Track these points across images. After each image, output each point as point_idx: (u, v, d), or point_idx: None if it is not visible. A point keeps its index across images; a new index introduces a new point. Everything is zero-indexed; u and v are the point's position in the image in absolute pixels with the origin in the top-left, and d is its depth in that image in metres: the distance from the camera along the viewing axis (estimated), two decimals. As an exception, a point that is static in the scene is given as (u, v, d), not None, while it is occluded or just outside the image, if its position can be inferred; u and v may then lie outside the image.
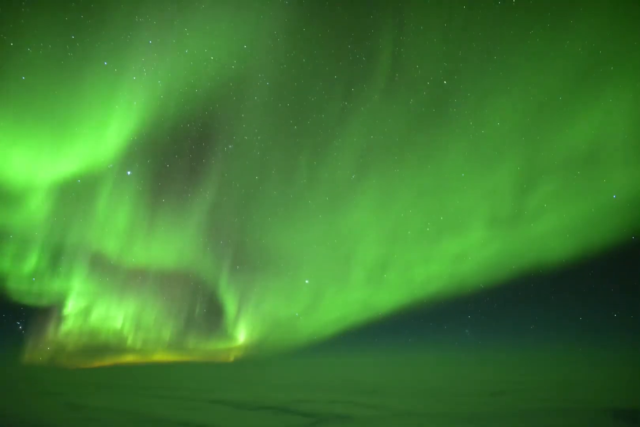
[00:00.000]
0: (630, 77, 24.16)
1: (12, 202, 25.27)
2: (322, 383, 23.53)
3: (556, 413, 14.02)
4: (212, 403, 17.29)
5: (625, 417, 13.55)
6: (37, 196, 25.86)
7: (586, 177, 26.07)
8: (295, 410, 15.35)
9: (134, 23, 23.22)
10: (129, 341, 30.04)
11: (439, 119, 26.77)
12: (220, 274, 30.46)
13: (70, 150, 25.64)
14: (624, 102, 24.50)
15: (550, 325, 30.48)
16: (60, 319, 28.46)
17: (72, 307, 28.59)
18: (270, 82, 26.48)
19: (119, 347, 29.99)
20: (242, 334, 30.75)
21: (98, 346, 29.63)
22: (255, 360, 31.24)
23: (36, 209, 26.03)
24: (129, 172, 27.02)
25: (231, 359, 31.58)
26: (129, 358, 30.44)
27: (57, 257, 27.37)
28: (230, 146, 28.07)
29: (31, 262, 26.76)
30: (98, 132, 25.45)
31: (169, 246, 29.52)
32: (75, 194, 26.63)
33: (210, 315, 30.68)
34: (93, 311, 29.01)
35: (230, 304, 30.55)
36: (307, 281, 30.33)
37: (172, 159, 28.05)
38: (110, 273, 28.85)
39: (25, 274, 26.91)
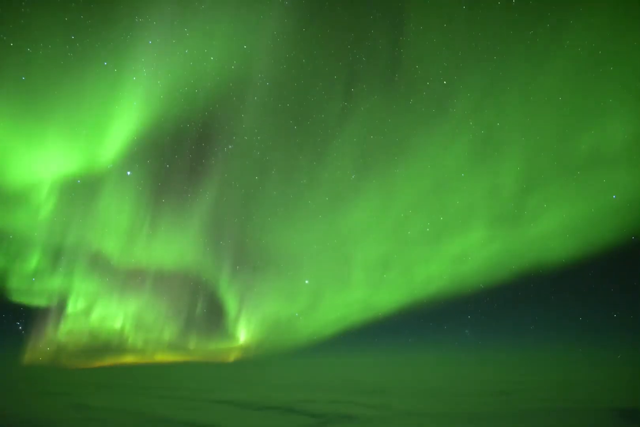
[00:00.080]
0: (630, 77, 24.18)
1: (13, 202, 25.30)
2: (322, 383, 23.54)
3: (556, 413, 14.03)
4: (216, 403, 17.28)
5: (626, 416, 13.56)
6: (37, 196, 25.89)
7: (586, 178, 26.10)
8: (300, 410, 15.34)
9: (134, 23, 23.24)
10: (129, 341, 30.09)
11: (439, 119, 26.80)
12: (220, 274, 30.50)
13: (70, 151, 25.66)
14: (624, 102, 24.52)
15: (550, 325, 30.54)
16: (60, 319, 28.49)
17: (72, 307, 28.62)
18: (270, 82, 26.52)
19: (119, 347, 30.03)
20: (242, 334, 30.80)
21: (98, 346, 29.67)
22: (256, 360, 31.30)
23: (36, 209, 26.06)
24: (129, 173, 27.05)
25: (231, 359, 31.64)
26: (129, 358, 30.49)
27: (57, 257, 27.41)
28: (230, 146, 28.11)
29: (31, 262, 26.80)
30: (98, 132, 25.47)
31: (169, 246, 29.55)
32: (75, 194, 26.66)
33: (210, 315, 30.73)
34: (93, 311, 29.04)
35: (230, 304, 30.60)
36: (307, 281, 30.37)
37: (172, 159, 28.09)
38: (111, 273, 28.88)
39: (26, 274, 26.94)
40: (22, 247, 26.42)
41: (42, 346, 28.20)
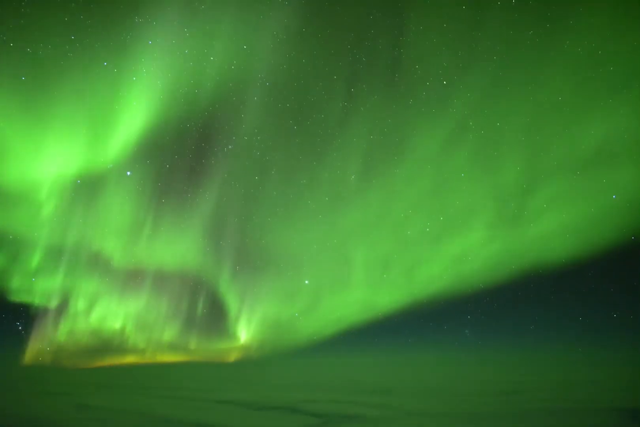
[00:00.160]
0: (630, 78, 24.19)
1: (13, 202, 25.31)
2: (323, 383, 23.55)
3: (556, 413, 14.04)
4: (218, 403, 17.27)
5: (626, 416, 13.56)
6: (37, 196, 25.89)
7: (586, 178, 26.12)
8: (304, 410, 15.33)
9: (134, 23, 23.24)
10: (130, 341, 30.10)
11: (439, 119, 26.81)
12: (220, 274, 30.51)
13: (70, 151, 25.67)
14: (624, 102, 24.53)
15: (550, 325, 30.53)
16: (60, 319, 28.49)
17: (72, 307, 28.63)
18: (270, 82, 26.51)
19: (120, 347, 30.04)
20: (242, 334, 30.81)
21: (99, 346, 29.67)
22: (256, 360, 31.32)
23: (36, 209, 26.07)
24: (128, 173, 27.05)
25: (232, 359, 31.66)
26: (130, 358, 30.50)
27: (57, 257, 27.41)
28: (230, 146, 28.10)
29: (31, 262, 26.80)
30: (98, 132, 25.48)
31: (169, 246, 29.55)
32: (75, 194, 26.67)
33: (210, 315, 30.73)
34: (93, 311, 29.05)
35: (230, 304, 30.60)
36: (307, 282, 30.38)
37: (172, 159, 28.07)
38: (111, 273, 28.90)
39: (26, 274, 26.95)
40: (22, 247, 26.46)
41: (42, 346, 28.25)
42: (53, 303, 28.12)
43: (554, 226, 27.36)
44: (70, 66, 23.38)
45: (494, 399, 17.17)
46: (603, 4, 23.20)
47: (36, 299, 27.39)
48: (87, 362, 29.97)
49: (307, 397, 18.23)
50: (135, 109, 25.27)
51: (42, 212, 26.18)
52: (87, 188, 26.69)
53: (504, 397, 17.39)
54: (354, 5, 24.98)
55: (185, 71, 25.15)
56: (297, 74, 26.25)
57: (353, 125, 27.60)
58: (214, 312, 30.64)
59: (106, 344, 29.71)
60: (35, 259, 26.80)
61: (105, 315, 29.33)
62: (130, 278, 29.27)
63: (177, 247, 29.57)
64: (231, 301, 30.48)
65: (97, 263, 28.42)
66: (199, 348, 31.41)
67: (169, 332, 30.68)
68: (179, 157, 28.13)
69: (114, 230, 28.07)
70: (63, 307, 28.38)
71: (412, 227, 29.06)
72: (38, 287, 27.40)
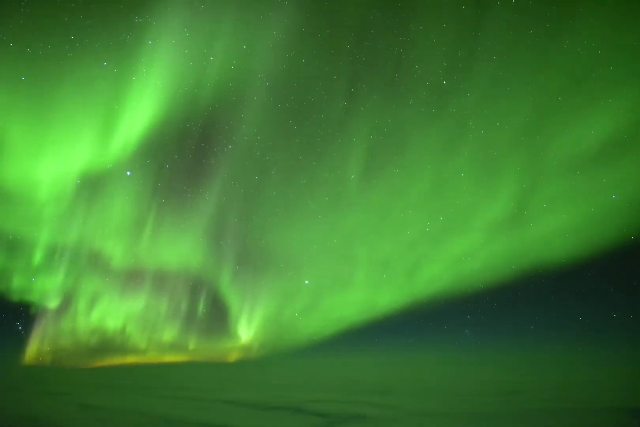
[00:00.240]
0: (630, 77, 24.19)
1: (13, 202, 25.32)
2: (323, 383, 23.56)
3: (556, 413, 14.04)
4: (220, 403, 17.22)
5: (626, 416, 13.57)
6: (37, 196, 25.90)
7: (586, 178, 26.14)
8: (308, 410, 15.31)
9: (134, 23, 23.25)
10: (130, 341, 30.11)
11: (439, 119, 26.82)
12: (220, 274, 30.53)
13: (70, 151, 25.68)
14: (624, 102, 24.53)
15: (550, 325, 30.55)
16: (60, 319, 28.51)
17: (72, 307, 28.65)
18: (270, 82, 26.52)
19: (120, 347, 30.07)
20: (243, 334, 30.83)
21: (99, 346, 29.69)
22: (256, 360, 31.35)
23: (36, 209, 26.08)
24: (128, 173, 27.07)
25: (232, 359, 31.69)
26: (130, 358, 30.54)
27: (57, 257, 27.44)
28: (230, 146, 28.12)
29: (31, 262, 26.82)
30: (98, 132, 25.48)
31: (169, 246, 29.58)
32: (75, 194, 26.68)
33: (211, 315, 30.77)
34: (94, 311, 29.06)
35: (230, 304, 30.63)
36: (307, 282, 30.40)
37: (172, 159, 28.10)
38: (111, 273, 28.92)
39: (26, 274, 26.96)
40: (22, 247, 26.48)
41: (42, 346, 28.27)
42: (53, 303, 28.19)
43: (554, 226, 27.40)
44: (70, 66, 23.40)
45: (494, 399, 17.16)
46: (603, 4, 23.23)
47: (36, 299, 27.45)
48: (87, 362, 30.02)
49: (309, 397, 18.22)
50: (135, 109, 25.31)
51: (43, 212, 26.24)
52: (87, 188, 26.74)
53: (504, 397, 17.39)
54: (354, 5, 25.00)
55: (185, 71, 25.19)
56: (297, 74, 26.28)
57: (353, 125, 27.64)
58: (214, 312, 30.71)
59: (107, 344, 29.77)
60: (36, 259, 26.86)
61: (105, 315, 29.37)
62: (131, 278, 29.33)
63: (177, 247, 29.62)
64: (231, 300, 30.53)
65: (97, 263, 28.48)
66: (199, 348, 31.46)
67: (169, 332, 30.73)
68: (179, 157, 28.18)
69: (114, 230, 28.12)
70: (63, 307, 28.44)
71: (412, 227, 29.11)
72: (38, 287, 27.46)
